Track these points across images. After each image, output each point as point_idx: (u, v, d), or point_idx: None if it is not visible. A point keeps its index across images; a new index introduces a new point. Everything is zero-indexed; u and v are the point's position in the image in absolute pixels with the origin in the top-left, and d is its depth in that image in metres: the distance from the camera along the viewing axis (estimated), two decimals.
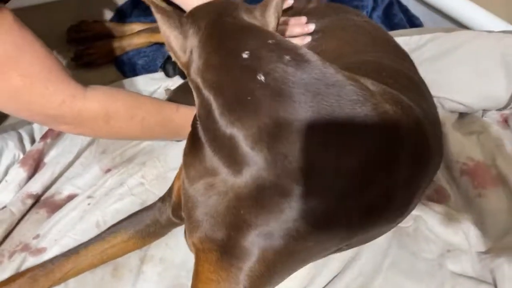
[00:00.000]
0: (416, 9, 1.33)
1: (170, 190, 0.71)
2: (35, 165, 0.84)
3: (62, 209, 0.78)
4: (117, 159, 0.88)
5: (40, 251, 0.72)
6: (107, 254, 0.70)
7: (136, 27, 1.20)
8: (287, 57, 0.48)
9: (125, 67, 1.15)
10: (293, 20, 0.85)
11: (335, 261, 0.69)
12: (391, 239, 0.71)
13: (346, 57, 0.76)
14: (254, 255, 0.47)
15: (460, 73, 0.92)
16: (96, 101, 0.67)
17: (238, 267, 0.48)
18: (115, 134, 0.76)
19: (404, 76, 0.70)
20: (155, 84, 1.06)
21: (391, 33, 0.97)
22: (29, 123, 0.91)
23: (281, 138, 0.45)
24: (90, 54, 1.13)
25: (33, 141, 0.90)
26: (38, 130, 0.92)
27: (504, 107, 0.93)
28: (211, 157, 0.50)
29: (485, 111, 0.94)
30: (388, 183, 0.50)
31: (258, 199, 0.46)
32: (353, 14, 0.91)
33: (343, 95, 0.47)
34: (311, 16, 0.88)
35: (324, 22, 0.87)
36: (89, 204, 0.79)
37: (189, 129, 0.57)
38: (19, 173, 0.82)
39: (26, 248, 0.73)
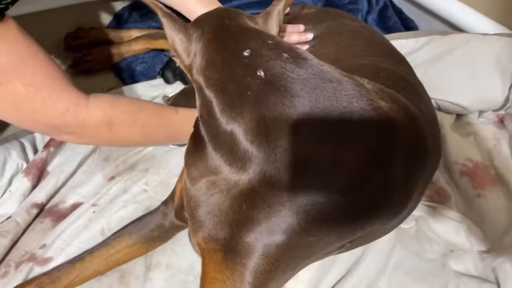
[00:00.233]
0: (410, 12, 1.35)
1: (173, 193, 0.71)
2: (39, 174, 0.84)
3: (67, 218, 0.78)
4: (120, 167, 0.88)
5: (46, 260, 0.72)
6: (112, 260, 0.70)
7: (134, 33, 1.21)
8: (286, 55, 0.50)
9: (124, 74, 1.15)
10: (290, 28, 0.86)
11: (340, 263, 0.70)
12: (395, 240, 0.73)
13: (343, 60, 0.77)
14: (257, 252, 0.48)
15: (456, 75, 0.94)
16: (99, 108, 0.68)
17: (242, 265, 0.49)
18: (117, 141, 0.76)
19: (401, 78, 0.71)
20: (155, 91, 1.07)
21: (388, 36, 0.98)
22: (31, 132, 0.91)
23: (279, 131, 0.46)
24: (88, 61, 1.13)
25: (35, 150, 0.90)
26: (40, 139, 0.92)
27: (500, 108, 0.95)
28: (212, 156, 0.51)
29: (481, 112, 0.96)
30: (385, 175, 0.50)
31: (260, 194, 0.47)
32: (349, 19, 0.92)
33: (340, 90, 0.48)
34: (307, 21, 0.89)
35: (321, 27, 0.88)
36: (93, 212, 0.79)
37: (189, 131, 0.58)
38: (23, 182, 0.81)
39: (32, 258, 0.73)
